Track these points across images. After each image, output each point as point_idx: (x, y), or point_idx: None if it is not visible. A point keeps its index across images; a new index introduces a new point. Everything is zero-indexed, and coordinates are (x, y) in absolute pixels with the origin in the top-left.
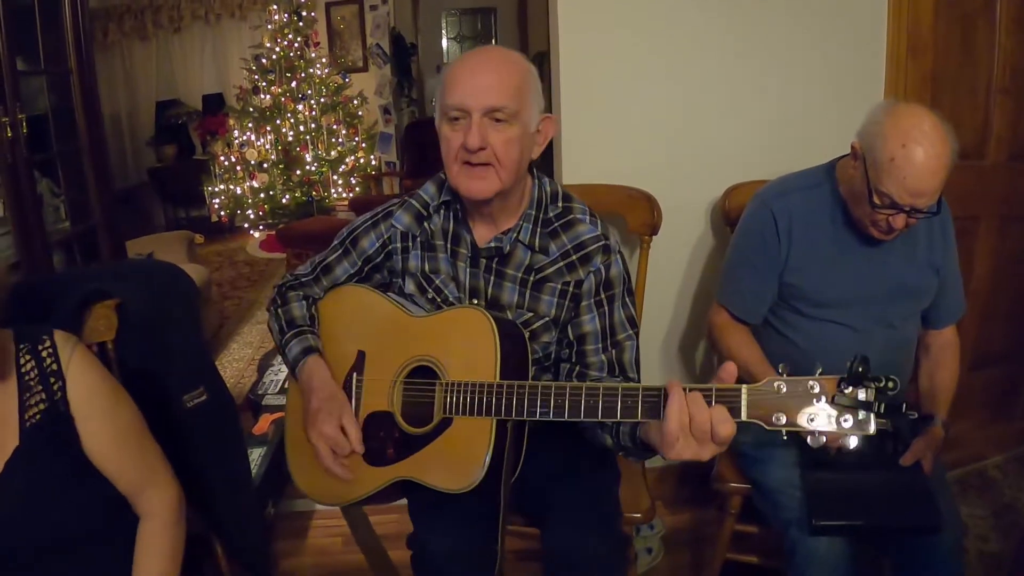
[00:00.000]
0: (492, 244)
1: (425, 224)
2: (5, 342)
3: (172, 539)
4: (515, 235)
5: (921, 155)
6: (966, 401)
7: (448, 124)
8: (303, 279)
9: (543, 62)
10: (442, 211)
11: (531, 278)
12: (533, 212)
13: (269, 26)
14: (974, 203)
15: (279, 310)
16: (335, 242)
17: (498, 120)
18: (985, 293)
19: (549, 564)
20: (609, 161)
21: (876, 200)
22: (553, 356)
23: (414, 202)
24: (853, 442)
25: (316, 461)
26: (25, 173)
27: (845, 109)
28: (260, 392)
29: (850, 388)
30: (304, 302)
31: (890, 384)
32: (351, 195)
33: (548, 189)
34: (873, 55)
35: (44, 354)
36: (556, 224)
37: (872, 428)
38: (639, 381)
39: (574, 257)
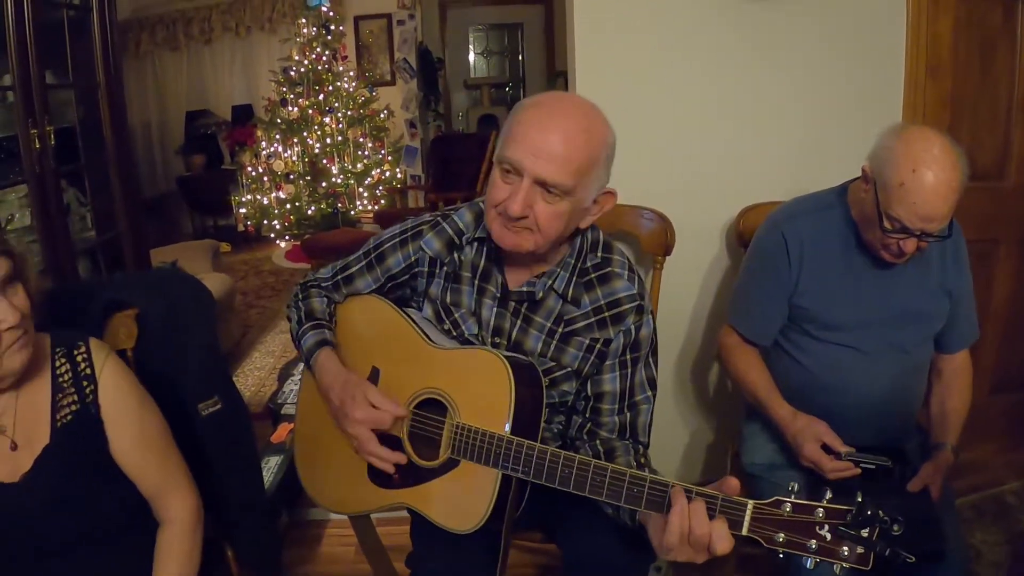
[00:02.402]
0: (524, 288)
1: (455, 254)
2: (42, 345)
3: (190, 545)
4: (550, 282)
5: (931, 180)
6: (985, 425)
7: (500, 171)
8: (323, 283)
9: (564, 82)
10: (475, 245)
11: (559, 329)
12: (572, 260)
13: (298, 39)
14: (993, 226)
15: (300, 303)
16: (360, 252)
17: (549, 191)
18: (1005, 316)
19: None
20: (623, 181)
21: (886, 224)
22: (569, 403)
23: (447, 227)
24: (841, 569)
25: (326, 465)
26: (52, 183)
27: (862, 130)
28: (279, 401)
29: (857, 524)
30: (325, 299)
31: (895, 528)
32: (376, 208)
33: (590, 236)
34: (891, 76)
35: (79, 358)
36: (593, 275)
37: (869, 565)
38: (648, 446)
39: (606, 314)
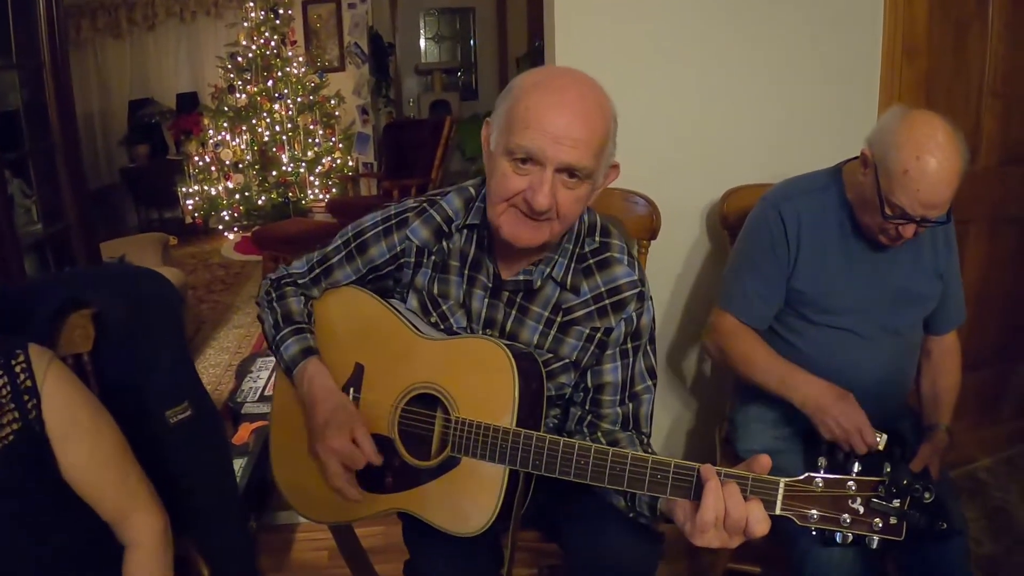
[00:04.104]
0: (520, 277)
1: (444, 242)
2: None
3: (160, 569)
4: (548, 269)
5: (935, 167)
6: (956, 403)
7: (510, 162)
8: (299, 279)
9: (520, 67)
10: (465, 232)
11: (558, 319)
12: (570, 246)
13: (245, 24)
14: (965, 207)
15: (275, 303)
16: (338, 242)
17: (572, 177)
18: (975, 295)
19: None
20: None
21: (887, 210)
22: (567, 396)
23: (435, 214)
24: (875, 542)
25: (308, 473)
26: None
27: (840, 112)
28: (239, 400)
29: (890, 494)
30: (301, 298)
31: (927, 496)
32: (328, 196)
33: (587, 220)
34: (868, 58)
35: (17, 369)
36: (591, 261)
37: (902, 536)
38: (650, 435)
39: (607, 302)
